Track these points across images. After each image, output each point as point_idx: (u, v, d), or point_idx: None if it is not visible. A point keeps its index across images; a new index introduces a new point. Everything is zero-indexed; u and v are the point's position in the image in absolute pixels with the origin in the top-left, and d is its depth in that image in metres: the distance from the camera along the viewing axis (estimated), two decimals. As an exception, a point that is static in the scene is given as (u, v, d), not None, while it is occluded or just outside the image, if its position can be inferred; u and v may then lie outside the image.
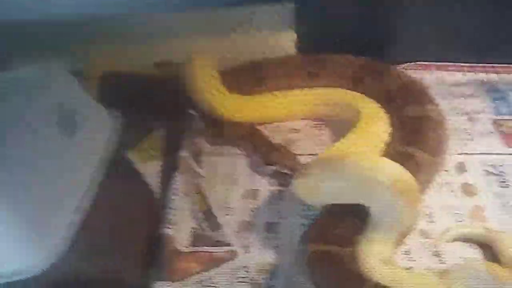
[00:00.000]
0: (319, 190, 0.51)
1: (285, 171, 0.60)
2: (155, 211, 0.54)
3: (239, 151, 0.66)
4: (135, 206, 0.54)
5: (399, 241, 0.49)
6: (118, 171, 0.56)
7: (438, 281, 0.45)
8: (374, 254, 0.47)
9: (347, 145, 0.58)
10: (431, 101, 0.63)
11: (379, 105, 0.62)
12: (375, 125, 0.60)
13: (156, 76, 0.75)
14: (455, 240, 0.52)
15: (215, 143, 0.66)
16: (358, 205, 0.49)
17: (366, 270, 0.46)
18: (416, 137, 0.58)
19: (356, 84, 0.67)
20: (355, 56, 0.69)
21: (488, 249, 0.50)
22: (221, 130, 0.66)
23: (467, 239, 0.51)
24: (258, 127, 0.67)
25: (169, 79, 0.71)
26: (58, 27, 0.68)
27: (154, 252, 0.50)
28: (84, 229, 0.51)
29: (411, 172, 0.48)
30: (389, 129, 0.60)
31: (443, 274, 0.46)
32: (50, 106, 0.54)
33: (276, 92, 0.68)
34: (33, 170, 0.48)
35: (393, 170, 0.47)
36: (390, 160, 0.48)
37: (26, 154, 0.48)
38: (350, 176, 0.48)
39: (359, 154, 0.54)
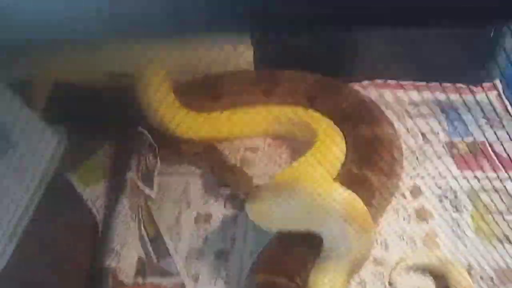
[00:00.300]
0: (271, 215, 0.49)
1: (240, 194, 0.58)
2: (97, 239, 0.50)
3: (192, 170, 0.63)
4: (76, 234, 0.50)
5: (353, 271, 0.48)
6: (57, 195, 0.52)
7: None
8: (325, 285, 0.45)
9: (302, 167, 0.57)
10: (386, 120, 0.63)
11: (334, 124, 0.61)
12: (331, 145, 0.59)
13: (107, 88, 0.70)
14: (409, 270, 0.51)
15: (168, 161, 0.63)
16: (310, 232, 0.47)
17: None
18: (370, 159, 0.57)
19: (310, 101, 0.65)
20: (311, 73, 0.67)
21: (441, 280, 0.49)
22: (176, 148, 0.63)
23: (420, 269, 0.51)
24: (215, 145, 0.64)
25: (121, 92, 0.67)
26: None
27: (95, 285, 0.46)
28: (17, 259, 0.47)
29: (365, 197, 0.47)
30: (345, 150, 0.59)
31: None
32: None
33: (231, 109, 0.66)
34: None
35: (345, 197, 0.46)
36: (342, 186, 0.46)
37: None
38: (302, 202, 0.46)
39: (312, 178, 0.53)
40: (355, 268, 0.48)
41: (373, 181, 0.54)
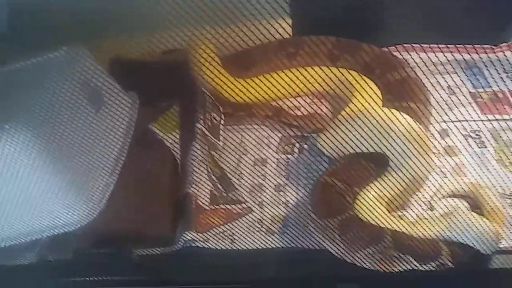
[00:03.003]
0: (340, 143, 0.53)
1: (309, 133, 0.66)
2: (179, 174, 0.60)
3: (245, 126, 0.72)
4: (163, 169, 0.61)
5: (408, 193, 0.55)
6: (144, 142, 0.62)
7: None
8: (371, 198, 0.53)
9: (357, 107, 0.64)
10: (405, 64, 0.70)
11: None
12: (369, 92, 0.65)
13: (164, 62, 0.79)
14: (446, 196, 0.59)
15: (235, 120, 0.71)
16: (375, 154, 0.54)
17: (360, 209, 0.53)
18: (405, 94, 0.64)
19: (333, 61, 0.73)
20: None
21: (472, 200, 0.58)
22: (248, 110, 0.71)
23: (456, 195, 0.59)
24: (280, 107, 0.72)
25: (177, 65, 0.76)
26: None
27: (181, 208, 0.57)
28: (117, 194, 0.57)
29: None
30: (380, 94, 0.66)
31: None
32: (80, 83, 0.60)
33: (273, 73, 0.72)
34: (73, 141, 0.54)
35: (407, 119, 0.53)
36: (402, 112, 0.54)
37: (65, 128, 0.54)
38: (368, 125, 0.53)
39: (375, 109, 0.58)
40: (411, 189, 0.55)
41: (415, 110, 0.61)
